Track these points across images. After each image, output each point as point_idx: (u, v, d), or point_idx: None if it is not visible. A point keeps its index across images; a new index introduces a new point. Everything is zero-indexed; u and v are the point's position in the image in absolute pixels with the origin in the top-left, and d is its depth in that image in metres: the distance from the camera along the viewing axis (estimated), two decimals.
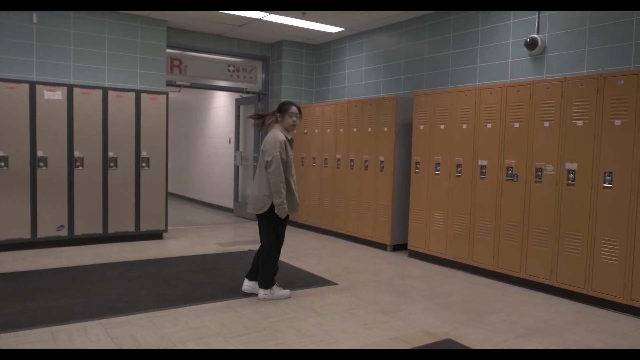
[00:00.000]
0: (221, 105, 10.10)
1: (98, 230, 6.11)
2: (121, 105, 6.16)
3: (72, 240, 5.99)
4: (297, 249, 6.14)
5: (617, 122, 4.01)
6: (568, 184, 4.34)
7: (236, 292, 4.26)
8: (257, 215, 4.11)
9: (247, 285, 4.24)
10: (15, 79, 5.75)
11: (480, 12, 5.63)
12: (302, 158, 7.61)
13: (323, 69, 8.19)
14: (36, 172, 5.70)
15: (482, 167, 5.03)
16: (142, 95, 6.29)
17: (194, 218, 8.82)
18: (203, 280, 4.64)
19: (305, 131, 7.48)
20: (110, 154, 6.12)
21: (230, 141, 9.63)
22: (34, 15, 5.98)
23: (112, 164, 6.14)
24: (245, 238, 6.91)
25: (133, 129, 6.25)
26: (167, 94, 6.50)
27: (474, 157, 5.11)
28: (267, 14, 6.46)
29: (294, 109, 4.14)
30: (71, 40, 6.25)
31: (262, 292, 4.12)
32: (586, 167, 4.21)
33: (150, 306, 3.86)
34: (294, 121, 4.13)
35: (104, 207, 6.12)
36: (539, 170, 4.55)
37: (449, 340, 3.34)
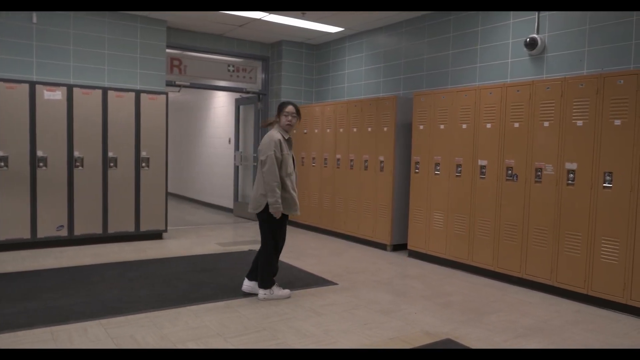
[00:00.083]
0: (221, 105, 10.10)
1: (98, 230, 6.11)
2: (121, 105, 6.16)
3: (72, 240, 5.99)
4: (297, 249, 6.14)
5: (617, 122, 4.01)
6: (568, 184, 4.34)
7: (236, 292, 4.26)
8: (256, 214, 4.12)
9: (247, 285, 4.24)
10: (15, 79, 5.75)
11: (480, 12, 5.63)
12: (302, 158, 7.61)
13: (323, 69, 8.19)
14: (36, 172, 5.70)
15: (482, 167, 5.03)
16: (142, 95, 6.29)
17: (194, 218, 8.82)
18: (203, 280, 4.64)
19: (305, 131, 7.48)
20: (110, 154, 6.12)
21: (230, 141, 9.63)
22: (34, 15, 5.98)
23: (112, 164, 6.14)
24: (245, 238, 6.91)
25: (133, 129, 6.25)
26: (167, 94, 6.50)
27: (473, 157, 5.12)
28: (267, 14, 6.46)
29: (289, 108, 4.14)
30: (71, 40, 6.25)
31: (261, 292, 4.12)
32: (586, 167, 4.21)
33: (150, 306, 3.86)
34: (290, 121, 4.13)
35: (103, 207, 6.12)
36: (539, 170, 4.55)
37: (448, 340, 3.34)
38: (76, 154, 5.92)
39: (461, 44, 5.88)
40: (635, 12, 4.35)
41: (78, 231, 5.98)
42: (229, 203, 9.50)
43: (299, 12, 6.28)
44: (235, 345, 3.18)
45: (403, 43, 6.67)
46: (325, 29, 7.16)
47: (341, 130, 6.88)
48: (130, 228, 6.31)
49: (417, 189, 5.74)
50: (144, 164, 6.33)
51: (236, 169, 9.19)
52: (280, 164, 4.02)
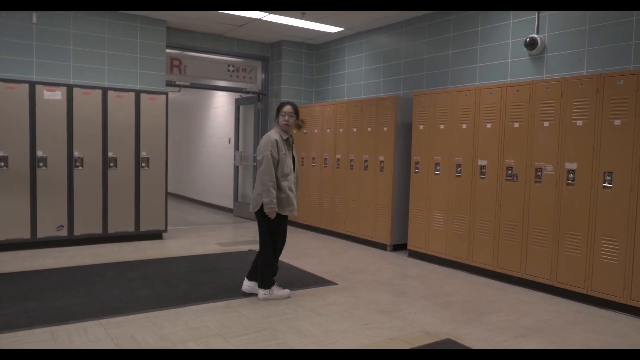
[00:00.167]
0: (221, 105, 10.10)
1: (98, 230, 6.11)
2: (121, 106, 6.16)
3: (72, 241, 5.99)
4: (297, 249, 6.14)
5: (617, 122, 4.01)
6: (568, 184, 4.34)
7: (236, 292, 4.26)
8: (254, 213, 4.13)
9: (247, 285, 4.24)
10: (15, 79, 5.75)
11: (480, 12, 5.63)
12: (302, 158, 7.61)
13: (323, 69, 8.19)
14: (36, 172, 5.70)
15: (482, 167, 5.03)
16: (142, 95, 6.29)
17: (194, 218, 8.82)
18: (203, 280, 4.64)
19: (305, 131, 7.48)
20: (110, 154, 6.12)
21: (230, 141, 9.63)
22: (34, 16, 5.98)
23: (111, 164, 6.14)
24: (245, 238, 6.91)
25: (133, 129, 6.25)
26: (166, 94, 6.50)
27: (473, 157, 5.12)
28: (267, 14, 6.46)
29: (285, 108, 4.14)
30: (71, 40, 6.25)
31: (261, 292, 4.12)
32: (586, 167, 4.21)
33: (150, 306, 3.86)
34: (287, 120, 4.12)
35: (103, 207, 6.12)
36: (539, 170, 4.55)
37: (448, 340, 3.34)
38: (76, 154, 5.92)
39: (461, 44, 5.88)
40: (635, 12, 4.36)
41: (78, 231, 5.98)
42: (229, 203, 9.50)
43: (299, 12, 6.28)
44: (235, 345, 3.18)
45: (403, 43, 6.67)
46: (325, 29, 7.16)
47: (341, 130, 6.88)
48: (130, 228, 6.31)
49: (417, 189, 5.74)
50: (143, 164, 6.33)
51: (236, 169, 9.19)
52: (277, 164, 4.02)
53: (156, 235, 6.58)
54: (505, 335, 3.48)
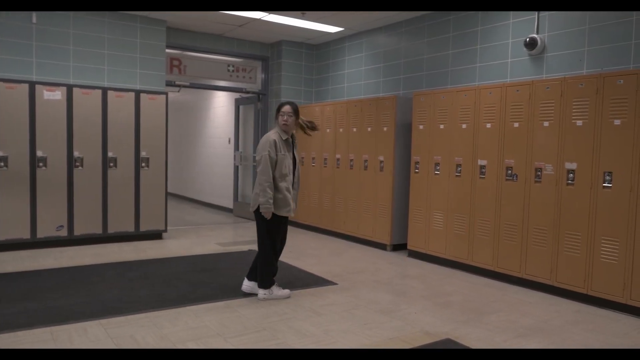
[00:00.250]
0: (221, 105, 10.10)
1: (98, 230, 6.11)
2: (121, 106, 6.16)
3: (72, 241, 5.99)
4: (297, 249, 6.14)
5: (617, 122, 4.01)
6: (568, 184, 4.34)
7: (236, 292, 4.26)
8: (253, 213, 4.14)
9: (247, 285, 4.24)
10: (14, 79, 5.74)
11: (480, 12, 5.63)
12: (302, 158, 7.61)
13: (322, 69, 8.19)
14: (36, 172, 5.70)
15: (482, 167, 5.03)
16: (142, 95, 6.29)
17: (194, 218, 8.82)
18: (203, 280, 4.64)
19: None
20: (110, 154, 6.12)
21: (229, 141, 9.63)
22: (34, 16, 5.98)
23: (111, 164, 6.14)
24: (245, 238, 6.91)
25: (132, 129, 6.24)
26: (166, 94, 6.50)
27: (473, 157, 5.12)
28: (267, 14, 6.46)
29: (284, 108, 4.14)
30: (70, 40, 6.25)
31: (261, 292, 4.12)
32: (586, 166, 4.21)
33: (150, 306, 3.86)
34: (285, 120, 4.12)
35: (103, 207, 6.12)
36: (539, 170, 4.55)
37: (448, 340, 3.34)
38: (76, 154, 5.92)
39: (461, 44, 5.88)
40: (635, 12, 4.36)
41: (78, 231, 5.98)
42: (228, 203, 9.50)
43: (299, 12, 6.28)
44: (235, 345, 3.18)
45: (403, 43, 6.67)
46: (325, 29, 7.16)
47: (341, 130, 6.88)
48: (130, 228, 6.31)
49: (417, 189, 5.74)
50: (143, 164, 6.33)
51: (236, 169, 9.19)
52: (275, 164, 4.02)
53: (156, 235, 6.58)
54: (505, 335, 3.48)
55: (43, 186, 5.74)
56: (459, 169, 5.26)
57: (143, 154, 6.32)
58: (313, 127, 4.38)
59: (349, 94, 7.62)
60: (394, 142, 6.06)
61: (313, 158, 7.43)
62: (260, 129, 8.37)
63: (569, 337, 3.46)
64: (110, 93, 6.09)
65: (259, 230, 4.13)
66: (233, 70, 7.96)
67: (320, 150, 7.28)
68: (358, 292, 4.43)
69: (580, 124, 4.24)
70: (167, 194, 6.57)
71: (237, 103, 9.21)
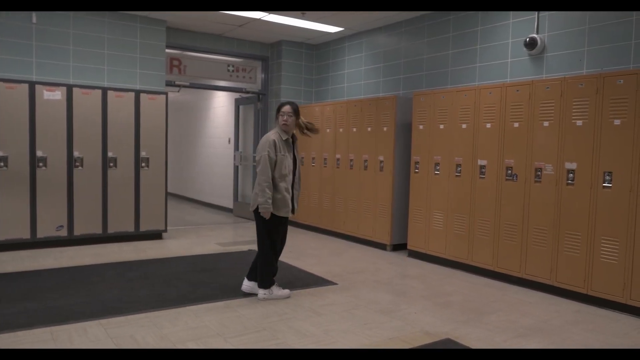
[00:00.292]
0: (221, 105, 10.10)
1: (97, 230, 6.11)
2: (121, 106, 6.16)
3: (72, 241, 5.99)
4: (297, 249, 6.14)
5: (617, 122, 4.01)
6: (567, 184, 4.34)
7: (236, 292, 4.26)
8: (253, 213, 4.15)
9: (247, 285, 4.24)
10: (14, 79, 5.74)
11: (480, 12, 5.63)
12: (302, 158, 7.61)
13: (322, 68, 8.19)
14: (36, 172, 5.70)
15: (482, 167, 5.03)
16: (142, 95, 6.29)
17: (194, 218, 8.82)
18: (203, 280, 4.64)
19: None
20: (110, 154, 6.12)
21: (229, 141, 9.63)
22: (34, 16, 5.98)
23: (111, 164, 6.13)
24: (245, 238, 6.91)
25: (132, 129, 6.24)
26: (166, 94, 6.50)
27: (473, 157, 5.12)
28: (267, 14, 6.46)
29: (284, 108, 4.14)
30: (70, 40, 6.25)
31: (261, 292, 4.12)
32: (586, 166, 4.21)
33: (150, 306, 3.86)
34: (285, 120, 4.12)
35: (103, 207, 6.12)
36: (539, 170, 4.55)
37: (448, 340, 3.34)
38: (76, 154, 5.92)
39: (461, 44, 5.88)
40: (635, 12, 4.36)
41: (78, 231, 5.98)
42: (228, 203, 9.50)
43: (299, 12, 6.28)
44: (235, 345, 3.18)
45: (403, 43, 6.67)
46: (325, 29, 7.16)
47: (341, 130, 6.88)
48: (130, 228, 6.31)
49: (417, 189, 5.74)
50: (143, 164, 6.33)
51: (236, 169, 9.19)
52: (275, 164, 4.02)
53: (156, 235, 6.58)
54: (505, 335, 3.48)
55: (43, 186, 5.74)
56: (459, 169, 5.26)
57: (143, 154, 6.32)
58: (311, 129, 4.35)
59: (348, 94, 7.62)
60: (393, 142, 6.06)
61: (313, 158, 7.43)
62: (260, 129, 8.37)
63: (569, 337, 3.46)
64: (110, 93, 6.09)
65: (258, 231, 4.14)
66: (233, 70, 7.96)
67: (320, 150, 7.28)
68: (358, 292, 4.43)
69: (580, 124, 4.24)
70: (167, 194, 6.57)
71: (237, 103, 9.21)
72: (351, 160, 6.70)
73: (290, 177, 4.14)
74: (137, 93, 6.27)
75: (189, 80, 7.84)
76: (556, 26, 4.94)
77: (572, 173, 4.30)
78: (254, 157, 8.47)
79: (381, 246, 6.28)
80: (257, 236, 4.17)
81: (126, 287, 4.36)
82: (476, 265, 5.10)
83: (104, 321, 3.52)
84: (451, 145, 5.34)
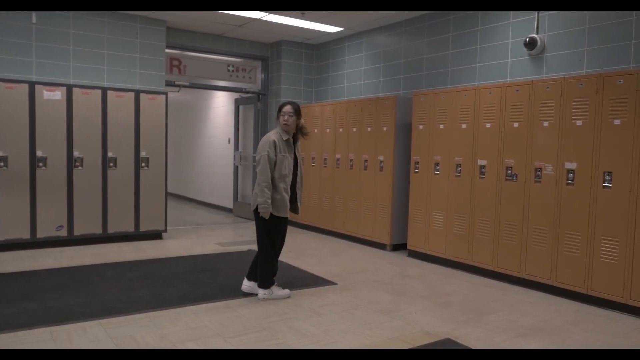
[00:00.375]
0: (220, 105, 10.10)
1: (97, 230, 6.11)
2: (120, 106, 6.16)
3: (72, 241, 5.99)
4: (296, 249, 6.14)
5: (617, 122, 4.01)
6: (567, 184, 4.34)
7: (236, 292, 4.26)
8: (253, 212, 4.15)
9: (247, 285, 4.24)
10: (14, 79, 5.74)
11: (480, 12, 5.63)
12: (302, 158, 7.60)
13: (322, 68, 8.19)
14: (35, 172, 5.70)
15: (482, 166, 5.03)
16: (142, 95, 6.29)
17: (194, 218, 8.82)
18: (203, 280, 4.64)
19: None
20: (110, 154, 6.12)
21: (229, 141, 9.63)
22: (34, 16, 5.98)
23: (111, 164, 6.13)
24: (245, 238, 6.91)
25: (132, 129, 6.24)
26: (166, 94, 6.50)
27: (473, 157, 5.12)
28: (267, 14, 6.46)
29: (285, 108, 4.13)
30: (70, 40, 6.24)
31: (261, 292, 4.12)
32: (585, 166, 4.21)
33: (149, 306, 3.86)
34: (286, 120, 4.12)
35: (103, 207, 6.12)
36: (539, 170, 4.55)
37: (448, 340, 3.34)
38: (76, 154, 5.92)
39: (460, 44, 5.88)
40: (634, 12, 4.36)
41: (78, 231, 5.98)
42: (228, 203, 9.50)
43: (299, 12, 6.28)
44: (234, 345, 3.18)
45: (402, 43, 6.67)
46: (325, 29, 7.16)
47: (341, 130, 6.88)
48: (130, 228, 6.31)
49: (417, 189, 5.74)
50: (143, 164, 6.33)
51: (236, 169, 9.19)
52: (275, 165, 4.02)
53: (156, 235, 6.58)
54: (505, 335, 3.48)
55: (43, 186, 5.74)
56: (459, 169, 5.26)
57: (143, 154, 6.32)
58: (305, 133, 4.29)
59: (348, 94, 7.62)
60: (393, 142, 6.06)
61: (313, 158, 7.43)
62: (260, 129, 8.37)
63: (569, 337, 3.46)
64: (110, 93, 6.09)
65: (258, 230, 4.14)
66: (233, 70, 7.96)
67: (320, 150, 7.28)
68: (358, 292, 4.43)
69: (580, 124, 4.24)
70: (167, 194, 6.57)
71: (237, 103, 9.21)
72: (351, 160, 6.70)
73: (291, 177, 4.14)
74: (137, 93, 6.27)
75: (189, 80, 7.84)
76: (556, 26, 4.94)
77: (572, 173, 4.30)
78: (254, 157, 8.47)
79: (381, 246, 6.28)
80: (257, 236, 4.17)
81: (126, 287, 4.36)
82: (476, 265, 5.10)
83: (103, 321, 3.52)
84: (451, 145, 5.34)
